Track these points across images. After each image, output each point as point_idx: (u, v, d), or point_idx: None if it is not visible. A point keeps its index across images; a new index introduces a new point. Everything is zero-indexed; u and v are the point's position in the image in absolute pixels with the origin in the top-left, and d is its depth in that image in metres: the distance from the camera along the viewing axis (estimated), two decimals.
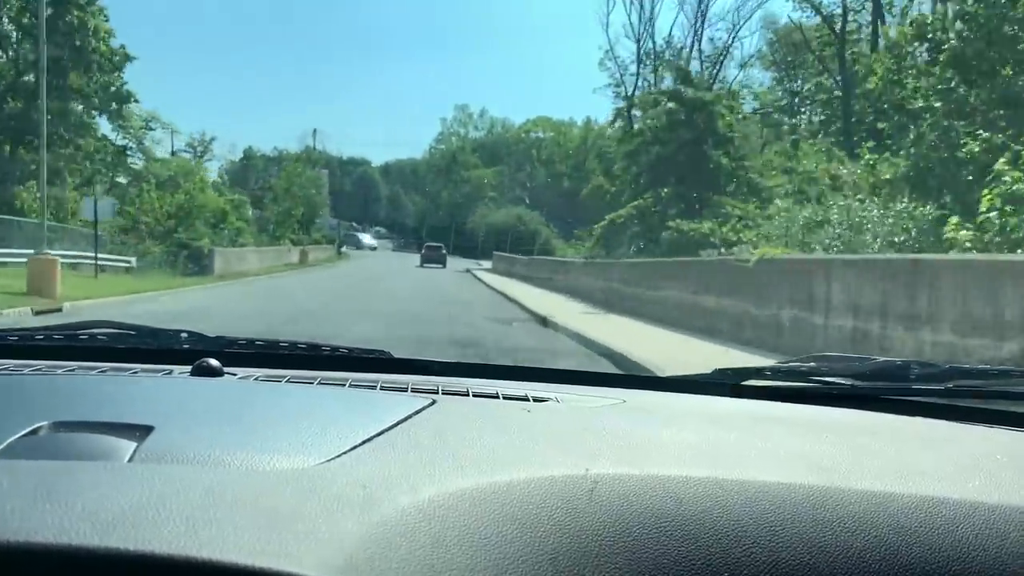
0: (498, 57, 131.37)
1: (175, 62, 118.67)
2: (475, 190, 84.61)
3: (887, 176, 15.84)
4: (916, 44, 17.28)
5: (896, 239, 12.13)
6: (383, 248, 71.36)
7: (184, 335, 1.58)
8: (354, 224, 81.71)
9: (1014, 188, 9.36)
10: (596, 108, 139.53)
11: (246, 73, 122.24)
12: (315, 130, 66.87)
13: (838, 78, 35.66)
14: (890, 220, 12.53)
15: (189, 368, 1.30)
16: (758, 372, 1.49)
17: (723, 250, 16.88)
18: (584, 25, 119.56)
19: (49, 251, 17.30)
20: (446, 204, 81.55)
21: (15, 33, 32.18)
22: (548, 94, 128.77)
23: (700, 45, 36.13)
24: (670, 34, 55.53)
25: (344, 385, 1.28)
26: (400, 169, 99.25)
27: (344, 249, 65.56)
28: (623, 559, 0.72)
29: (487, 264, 49.01)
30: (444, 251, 52.69)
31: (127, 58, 33.83)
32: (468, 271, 41.31)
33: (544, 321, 14.80)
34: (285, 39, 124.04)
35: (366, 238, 69.30)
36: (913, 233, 12.11)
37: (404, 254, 63.68)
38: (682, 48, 47.28)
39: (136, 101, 34.92)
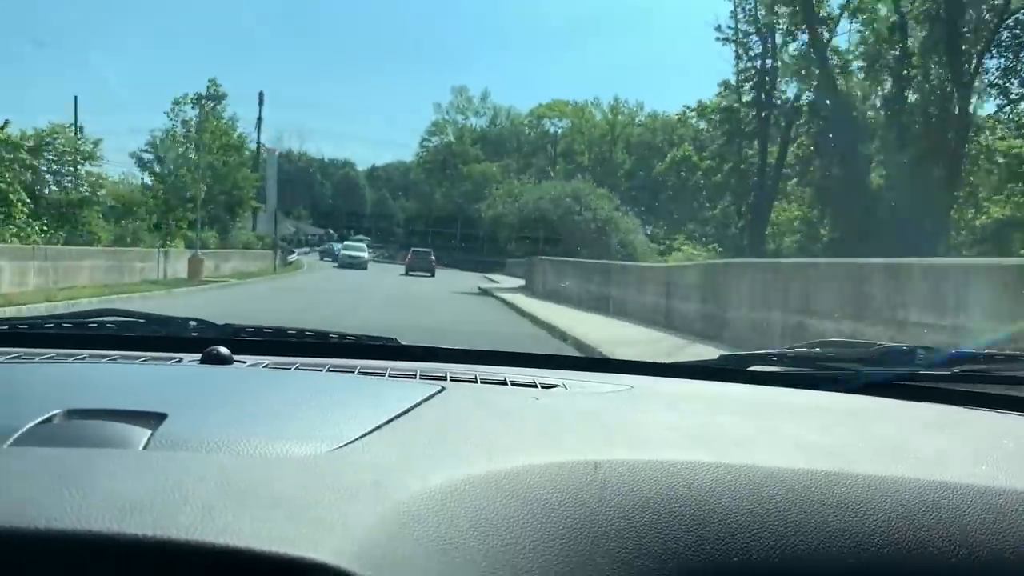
0: (500, 37, 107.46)
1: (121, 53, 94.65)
2: (476, 189, 71.47)
3: None
4: None
5: None
6: None
7: (193, 323, 1.59)
8: (330, 231, 73.28)
9: None
10: (625, 88, 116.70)
11: (217, 67, 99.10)
12: (261, 93, 41.42)
13: None
14: None
15: (199, 356, 1.34)
16: (764, 358, 1.52)
17: None
18: None
19: None
20: (441, 206, 71.11)
21: None
22: (560, 76, 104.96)
23: None
24: None
25: (353, 372, 1.32)
26: (388, 173, 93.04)
27: (297, 257, 51.65)
28: (632, 543, 0.74)
29: (506, 280, 35.82)
30: (433, 258, 44.92)
31: None
32: (485, 292, 26.46)
33: None
34: (264, 30, 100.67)
35: (355, 248, 49.77)
36: None
37: (388, 266, 52.64)
38: None
39: None
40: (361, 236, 70.84)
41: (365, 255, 46.09)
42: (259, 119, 48.97)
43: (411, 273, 41.31)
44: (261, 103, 49.10)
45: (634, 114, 73.74)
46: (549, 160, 73.76)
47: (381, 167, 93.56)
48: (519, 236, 33.98)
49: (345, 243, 52.67)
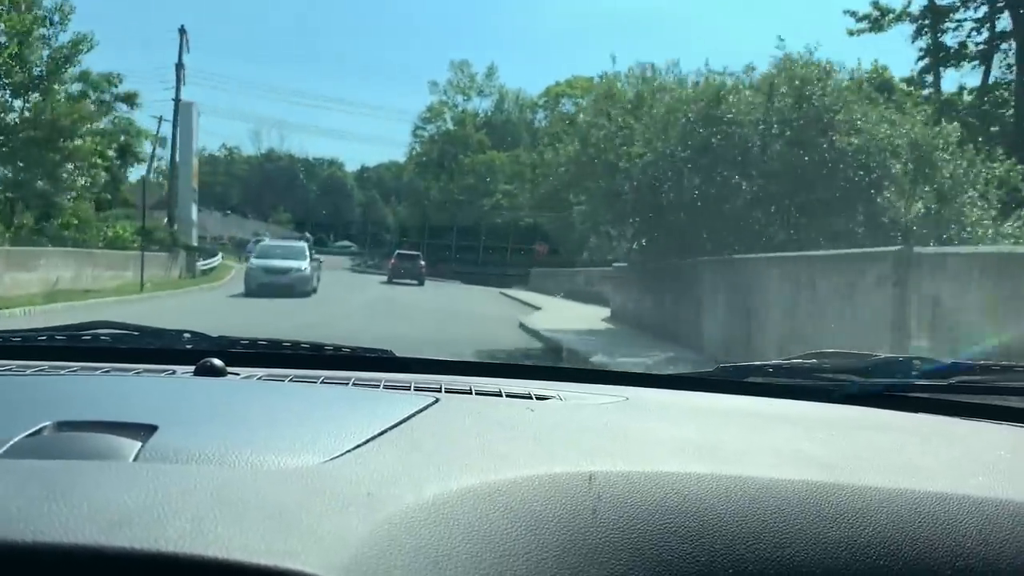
0: (506, 15, 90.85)
1: None
2: (481, 183, 54.54)
3: None
4: None
5: None
6: (329, 268, 35.20)
7: (187, 335, 1.62)
8: (307, 234, 54.81)
9: None
10: (661, 50, 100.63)
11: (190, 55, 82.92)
12: (182, 29, 22.04)
13: None
14: None
15: (192, 368, 1.37)
16: (760, 369, 1.54)
17: None
18: None
19: None
20: (438, 206, 55.57)
21: None
22: (577, 48, 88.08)
23: None
24: None
25: (347, 384, 1.34)
26: (379, 174, 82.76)
27: (220, 262, 35.68)
28: (627, 556, 0.76)
29: (549, 303, 22.91)
30: (422, 262, 36.27)
31: None
32: (552, 346, 12.47)
33: None
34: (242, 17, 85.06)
35: (280, 254, 25.37)
36: None
37: (370, 276, 39.33)
38: None
39: None
40: (345, 242, 63.35)
41: (303, 268, 24.23)
42: (179, 65, 32.38)
43: (395, 281, 34.53)
44: (183, 44, 32.17)
45: (664, 85, 56.86)
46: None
47: (372, 168, 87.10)
48: (626, 205, 13.55)
49: (260, 244, 30.00)
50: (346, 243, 65.19)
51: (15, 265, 17.42)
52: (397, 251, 39.92)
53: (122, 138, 27.80)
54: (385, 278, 36.21)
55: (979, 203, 12.81)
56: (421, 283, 34.41)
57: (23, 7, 16.24)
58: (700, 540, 0.76)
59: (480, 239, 51.88)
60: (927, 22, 25.61)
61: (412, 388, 1.30)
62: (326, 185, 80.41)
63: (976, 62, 25.48)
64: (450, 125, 64.36)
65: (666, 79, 31.44)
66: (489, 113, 66.16)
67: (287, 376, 1.37)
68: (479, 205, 52.78)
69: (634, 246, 16.11)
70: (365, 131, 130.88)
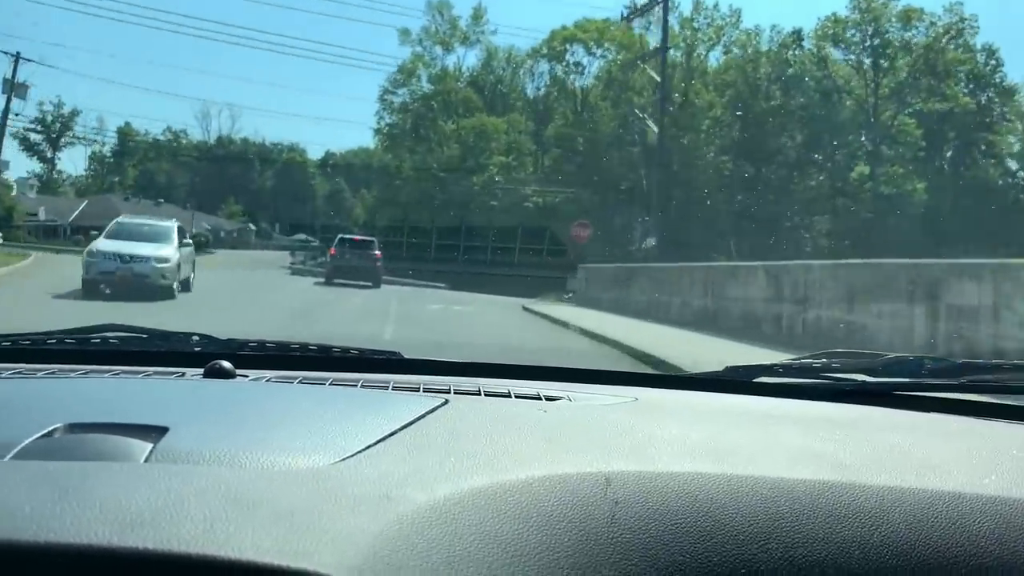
0: None
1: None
2: (469, 154, 42.15)
3: None
4: None
5: None
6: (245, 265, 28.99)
7: (195, 338, 1.68)
8: (250, 226, 56.66)
9: None
10: None
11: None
12: None
13: None
14: None
15: (201, 370, 1.44)
16: (769, 369, 1.57)
17: None
18: None
19: None
20: (413, 184, 43.33)
21: None
22: None
23: None
24: None
25: (356, 386, 1.40)
26: (347, 160, 72.83)
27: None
28: (639, 556, 0.79)
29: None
30: (377, 252, 26.12)
31: None
32: None
33: None
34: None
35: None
36: None
37: (306, 279, 27.93)
38: None
39: None
40: (300, 236, 53.08)
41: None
42: None
43: (336, 281, 24.55)
44: None
45: (720, 28, 42.17)
46: (577, 109, 47.12)
47: (339, 154, 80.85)
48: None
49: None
50: (302, 236, 57.27)
51: None
52: (340, 237, 27.58)
53: None
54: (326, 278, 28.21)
55: None
56: (376, 284, 24.90)
57: None
58: (712, 540, 0.79)
59: (490, 231, 40.93)
60: None
61: (421, 390, 1.35)
62: (283, 172, 76.04)
63: None
64: (427, 85, 53.46)
65: None
66: (475, 72, 57.29)
67: (296, 378, 1.42)
68: (468, 184, 38.83)
69: None
70: (331, 114, 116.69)
